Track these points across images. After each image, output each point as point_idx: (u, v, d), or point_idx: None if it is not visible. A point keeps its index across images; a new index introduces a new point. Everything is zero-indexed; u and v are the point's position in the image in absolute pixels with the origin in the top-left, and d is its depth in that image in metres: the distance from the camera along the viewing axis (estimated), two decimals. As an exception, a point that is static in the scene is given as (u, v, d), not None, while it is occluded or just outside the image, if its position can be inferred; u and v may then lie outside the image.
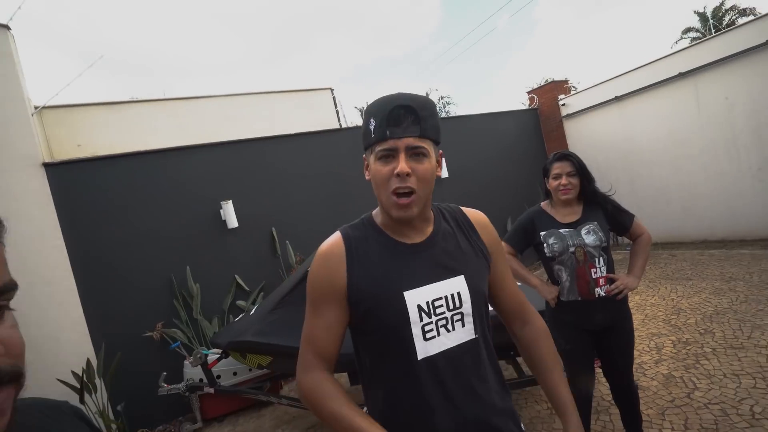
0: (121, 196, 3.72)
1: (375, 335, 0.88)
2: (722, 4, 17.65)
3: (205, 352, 3.17)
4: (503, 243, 1.61)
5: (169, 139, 5.78)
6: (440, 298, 0.86)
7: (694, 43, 5.63)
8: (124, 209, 3.72)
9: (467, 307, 0.87)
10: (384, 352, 0.88)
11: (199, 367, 3.13)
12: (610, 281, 1.74)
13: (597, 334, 1.80)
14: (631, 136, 6.20)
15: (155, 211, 3.84)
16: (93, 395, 3.06)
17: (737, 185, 5.27)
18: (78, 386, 2.96)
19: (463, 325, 0.88)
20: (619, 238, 5.09)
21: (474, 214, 1.00)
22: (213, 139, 4.50)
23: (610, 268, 1.78)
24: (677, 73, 5.48)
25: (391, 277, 0.86)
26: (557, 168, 1.81)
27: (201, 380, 3.24)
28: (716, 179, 5.45)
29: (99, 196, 3.64)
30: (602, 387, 2.54)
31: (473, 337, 0.88)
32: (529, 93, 7.60)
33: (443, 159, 0.91)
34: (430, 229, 0.92)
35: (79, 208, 3.56)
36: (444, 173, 4.72)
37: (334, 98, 7.71)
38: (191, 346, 3.70)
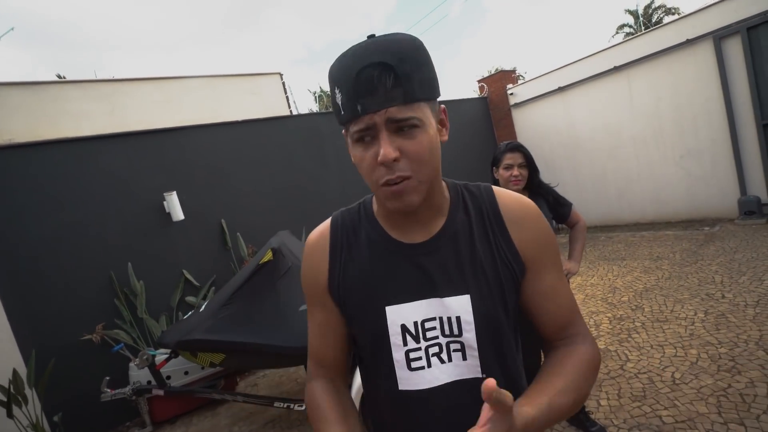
0: (46, 188, 3.37)
1: (359, 351, 0.75)
2: (651, 2, 18.97)
3: (152, 352, 3.01)
4: None
5: (102, 125, 5.33)
6: (433, 319, 0.65)
7: (627, 38, 6.01)
8: (52, 203, 3.37)
9: (470, 338, 0.65)
10: (367, 375, 0.75)
11: (147, 368, 2.97)
12: None
13: None
14: (573, 125, 6.56)
15: (88, 205, 3.53)
16: (23, 407, 2.81)
17: (663, 172, 5.76)
18: (5, 399, 2.70)
19: (465, 358, 0.65)
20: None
21: (510, 202, 0.70)
22: (153, 125, 4.20)
23: (556, 255, 1.88)
24: (612, 67, 5.84)
25: (374, 285, 0.67)
26: (509, 159, 1.84)
27: (149, 382, 3.08)
28: (646, 167, 5.92)
29: (20, 188, 3.27)
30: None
31: (479, 376, 0.65)
32: (479, 81, 7.77)
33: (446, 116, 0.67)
34: (440, 224, 0.68)
35: (-2, 202, 3.20)
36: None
37: (283, 83, 7.46)
38: (137, 347, 3.49)
